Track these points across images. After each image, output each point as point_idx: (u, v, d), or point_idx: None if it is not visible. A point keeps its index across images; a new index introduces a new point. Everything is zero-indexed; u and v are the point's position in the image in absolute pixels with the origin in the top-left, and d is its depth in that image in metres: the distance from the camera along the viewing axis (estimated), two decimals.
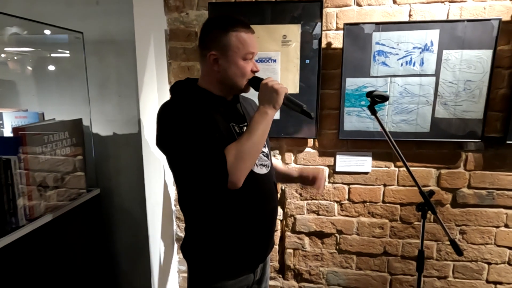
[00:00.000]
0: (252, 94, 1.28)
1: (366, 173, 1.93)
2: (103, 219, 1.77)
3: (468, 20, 1.65)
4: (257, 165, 1.21)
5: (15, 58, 1.78)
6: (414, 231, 1.95)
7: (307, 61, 1.81)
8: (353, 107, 1.82)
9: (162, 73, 1.94)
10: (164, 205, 2.01)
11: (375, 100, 1.31)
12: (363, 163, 1.91)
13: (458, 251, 1.30)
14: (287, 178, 1.52)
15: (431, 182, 1.89)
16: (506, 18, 1.66)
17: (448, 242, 1.31)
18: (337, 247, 2.04)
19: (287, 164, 1.98)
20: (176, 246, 2.19)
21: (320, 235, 2.04)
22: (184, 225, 1.30)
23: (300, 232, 2.05)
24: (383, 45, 1.73)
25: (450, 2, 1.70)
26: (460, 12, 1.69)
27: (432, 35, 1.69)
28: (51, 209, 1.39)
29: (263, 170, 1.24)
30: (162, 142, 1.15)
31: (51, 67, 1.78)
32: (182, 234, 2.15)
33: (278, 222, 2.05)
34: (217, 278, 1.23)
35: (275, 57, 1.83)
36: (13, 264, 1.21)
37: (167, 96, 1.95)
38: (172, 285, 2.15)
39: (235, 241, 1.20)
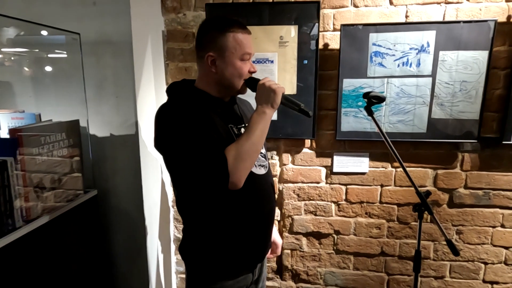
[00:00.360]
0: (247, 96, 1.28)
1: (363, 173, 1.93)
2: (100, 220, 1.77)
3: (464, 21, 1.66)
4: (256, 166, 1.22)
5: (12, 58, 1.78)
6: (411, 231, 1.96)
7: (305, 61, 1.82)
8: (350, 107, 1.83)
9: (160, 74, 1.94)
10: (162, 206, 2.01)
11: (372, 101, 1.31)
12: (360, 163, 1.92)
13: (455, 251, 1.30)
14: None
15: (428, 183, 1.89)
16: (501, 19, 1.67)
17: (445, 242, 1.31)
18: (335, 248, 2.04)
19: (284, 165, 1.98)
20: (173, 247, 2.18)
21: (317, 235, 2.04)
22: (181, 226, 1.30)
23: (297, 233, 2.05)
24: (380, 46, 1.74)
25: (446, 3, 1.70)
26: (456, 13, 1.70)
27: (429, 36, 1.70)
28: (48, 210, 1.39)
29: (261, 171, 1.25)
30: (160, 144, 1.15)
31: (48, 68, 1.77)
32: (179, 235, 2.15)
33: (276, 222, 2.05)
34: (216, 279, 1.23)
35: (272, 58, 1.83)
36: (10, 265, 1.20)
37: (164, 97, 1.94)
38: (169, 286, 2.15)
39: (234, 241, 1.21)
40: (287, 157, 1.98)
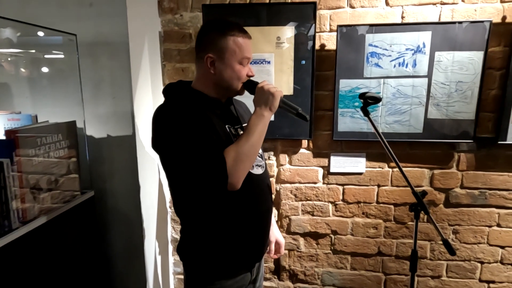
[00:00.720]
0: (243, 97, 1.29)
1: (360, 173, 1.94)
2: (97, 222, 1.76)
3: (460, 22, 1.67)
4: (253, 166, 1.23)
5: (9, 59, 1.77)
6: (408, 231, 1.96)
7: (303, 62, 1.82)
8: (347, 108, 1.84)
9: (156, 75, 1.94)
10: (159, 207, 2.01)
11: (368, 101, 1.32)
12: (357, 163, 1.92)
13: (451, 250, 1.31)
14: None
15: (424, 182, 1.90)
16: (496, 20, 1.68)
17: (442, 242, 1.32)
18: (332, 248, 2.05)
19: (281, 165, 1.99)
20: (171, 247, 2.18)
21: (315, 235, 2.05)
22: (179, 227, 1.31)
23: (295, 233, 2.06)
24: (376, 46, 1.75)
25: (442, 4, 1.71)
26: (451, 14, 1.71)
27: (424, 37, 1.70)
28: (44, 211, 1.39)
29: (259, 171, 1.26)
30: (158, 145, 1.16)
31: (45, 69, 1.77)
32: (177, 236, 2.14)
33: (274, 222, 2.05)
34: (215, 279, 1.23)
35: (269, 58, 1.84)
36: (6, 267, 1.20)
37: (161, 98, 1.94)
38: (167, 287, 2.15)
39: (232, 241, 1.21)
40: (284, 158, 1.98)
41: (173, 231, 2.16)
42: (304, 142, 1.95)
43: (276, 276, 2.13)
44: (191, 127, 1.08)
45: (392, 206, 1.95)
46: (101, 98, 1.70)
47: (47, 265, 1.40)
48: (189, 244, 1.26)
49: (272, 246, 1.51)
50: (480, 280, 1.96)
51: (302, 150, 1.96)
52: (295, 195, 2.01)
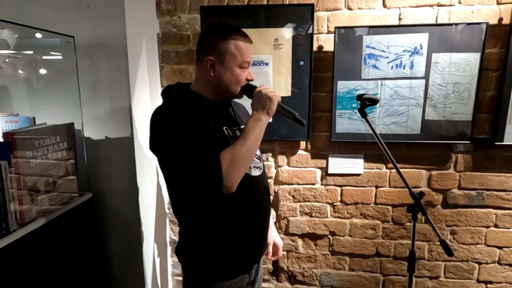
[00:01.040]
0: (242, 100, 1.29)
1: (358, 175, 1.94)
2: (95, 223, 1.76)
3: (457, 24, 1.68)
4: (251, 168, 1.23)
5: (7, 60, 1.77)
6: (405, 232, 1.97)
7: (301, 62, 1.83)
8: (344, 109, 1.84)
9: (154, 77, 1.94)
10: (157, 208, 2.01)
11: (365, 103, 1.32)
12: (355, 165, 1.93)
13: (449, 251, 1.31)
14: None
15: (422, 183, 1.91)
16: (493, 21, 1.69)
17: (439, 243, 1.33)
18: (330, 249, 2.05)
19: (279, 166, 1.99)
20: (169, 249, 2.18)
21: (313, 237, 2.05)
22: (177, 228, 1.31)
23: (293, 234, 2.06)
24: (374, 48, 1.75)
25: (438, 6, 1.72)
26: (448, 15, 1.72)
27: (422, 39, 1.71)
28: (42, 213, 1.39)
29: (256, 172, 1.27)
30: (156, 146, 1.16)
31: (43, 71, 1.77)
32: (175, 237, 2.14)
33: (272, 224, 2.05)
34: (213, 280, 1.24)
35: (267, 60, 1.84)
36: (4, 270, 1.20)
37: (159, 100, 1.95)
38: None
39: (230, 243, 1.22)
40: (282, 159, 1.98)
41: (171, 233, 2.16)
42: (302, 144, 1.95)
43: (274, 277, 2.14)
44: (188, 129, 1.08)
45: (390, 207, 1.96)
46: (99, 100, 1.70)
47: (45, 267, 1.40)
48: (188, 246, 1.26)
49: (270, 248, 1.51)
50: (478, 281, 1.97)
51: (300, 152, 1.97)
52: (293, 196, 2.02)
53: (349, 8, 1.79)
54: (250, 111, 1.20)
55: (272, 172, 2.00)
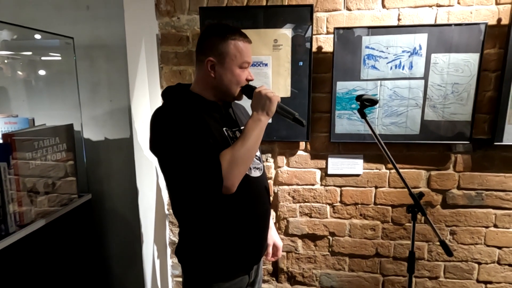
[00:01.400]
0: (242, 101, 1.29)
1: (358, 175, 1.94)
2: (95, 225, 1.76)
3: (456, 24, 1.68)
4: (251, 168, 1.23)
5: (5, 61, 1.77)
6: (405, 232, 1.97)
7: (301, 63, 1.83)
8: (344, 110, 1.84)
9: (154, 78, 1.94)
10: (157, 209, 2.00)
11: (365, 103, 1.32)
12: (354, 165, 1.93)
13: (448, 251, 1.31)
14: None
15: (422, 184, 1.91)
16: (492, 22, 1.69)
17: (439, 243, 1.33)
18: (330, 249, 2.05)
19: (279, 167, 1.99)
20: (169, 250, 2.18)
21: (312, 237, 2.05)
22: (177, 229, 1.31)
23: (293, 235, 2.06)
24: (373, 49, 1.76)
25: (437, 6, 1.73)
26: (447, 16, 1.73)
27: (421, 39, 1.71)
28: (42, 215, 1.39)
29: (256, 173, 1.27)
30: (156, 147, 1.16)
31: (42, 72, 1.77)
32: (175, 238, 2.14)
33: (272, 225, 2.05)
34: (213, 281, 1.23)
35: (267, 61, 1.84)
36: (3, 271, 1.19)
37: (159, 101, 1.95)
38: None
39: (230, 244, 1.22)
40: (282, 160, 1.99)
41: (171, 234, 2.16)
42: (302, 144, 1.95)
43: (274, 278, 2.13)
44: (188, 130, 1.08)
45: (389, 208, 1.96)
46: (98, 101, 1.70)
47: (44, 269, 1.39)
48: (187, 247, 1.26)
49: (270, 249, 1.51)
50: (478, 281, 1.97)
51: (299, 152, 1.97)
52: (293, 197, 2.02)
53: (348, 9, 1.79)
54: (250, 112, 1.20)
55: (271, 173, 2.00)
